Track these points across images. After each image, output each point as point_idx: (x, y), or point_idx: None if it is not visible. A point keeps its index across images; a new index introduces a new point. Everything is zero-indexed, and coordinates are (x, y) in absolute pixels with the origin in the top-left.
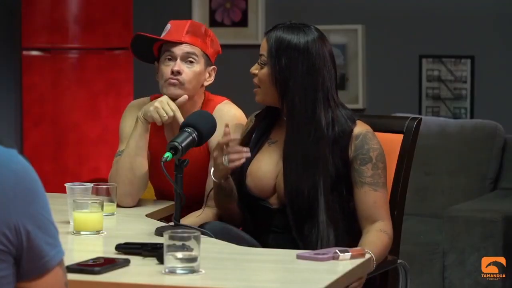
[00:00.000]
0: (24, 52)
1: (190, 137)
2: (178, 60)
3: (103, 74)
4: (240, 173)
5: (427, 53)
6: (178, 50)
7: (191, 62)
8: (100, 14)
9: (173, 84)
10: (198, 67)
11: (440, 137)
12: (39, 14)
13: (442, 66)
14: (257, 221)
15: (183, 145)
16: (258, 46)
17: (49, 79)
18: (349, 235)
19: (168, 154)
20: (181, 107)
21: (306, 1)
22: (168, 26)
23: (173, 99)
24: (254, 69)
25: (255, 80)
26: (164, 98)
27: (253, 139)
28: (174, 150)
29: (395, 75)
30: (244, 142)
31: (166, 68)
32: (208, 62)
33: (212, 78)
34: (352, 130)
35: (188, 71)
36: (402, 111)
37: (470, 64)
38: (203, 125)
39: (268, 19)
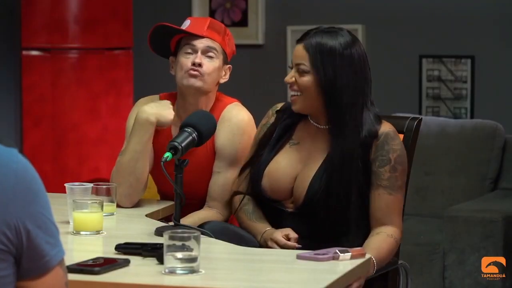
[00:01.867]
0: (24, 52)
1: (190, 137)
2: (199, 53)
3: (103, 74)
4: (257, 173)
5: (427, 53)
6: (200, 44)
7: (211, 57)
8: (100, 14)
9: (194, 76)
10: (217, 62)
11: (440, 137)
12: (39, 14)
13: (442, 66)
14: (269, 223)
15: (183, 145)
16: (258, 46)
17: (49, 79)
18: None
19: (168, 154)
20: (195, 104)
21: (306, 1)
22: (188, 21)
23: (191, 91)
24: (290, 78)
25: (295, 87)
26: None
27: (274, 138)
28: (174, 150)
29: (395, 75)
30: (264, 137)
31: (187, 60)
32: (225, 60)
33: (228, 76)
34: (377, 132)
35: (208, 64)
36: (402, 111)
37: (470, 64)
38: (203, 125)
39: (268, 19)
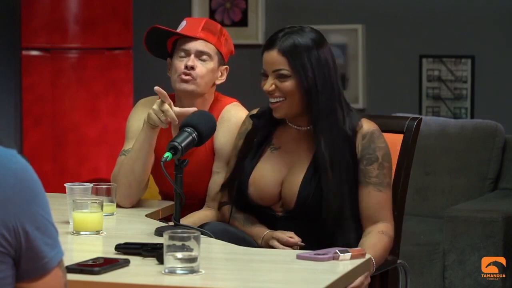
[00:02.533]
0: (24, 52)
1: (190, 137)
2: (192, 56)
3: (103, 74)
4: (242, 182)
5: (427, 53)
6: (193, 46)
7: (204, 59)
8: (100, 14)
9: (186, 81)
10: (211, 64)
11: (440, 137)
12: (38, 14)
13: (442, 66)
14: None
15: (182, 145)
16: (258, 46)
17: (48, 79)
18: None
19: (168, 154)
20: (191, 105)
21: (306, 1)
22: (184, 22)
23: (185, 94)
24: (270, 86)
25: (277, 94)
26: (159, 100)
27: (254, 146)
28: (174, 150)
29: (395, 75)
30: (244, 145)
31: (180, 63)
32: (221, 61)
33: (224, 77)
34: (358, 129)
35: (201, 67)
36: (402, 111)
37: (470, 64)
38: (203, 125)
39: (268, 19)
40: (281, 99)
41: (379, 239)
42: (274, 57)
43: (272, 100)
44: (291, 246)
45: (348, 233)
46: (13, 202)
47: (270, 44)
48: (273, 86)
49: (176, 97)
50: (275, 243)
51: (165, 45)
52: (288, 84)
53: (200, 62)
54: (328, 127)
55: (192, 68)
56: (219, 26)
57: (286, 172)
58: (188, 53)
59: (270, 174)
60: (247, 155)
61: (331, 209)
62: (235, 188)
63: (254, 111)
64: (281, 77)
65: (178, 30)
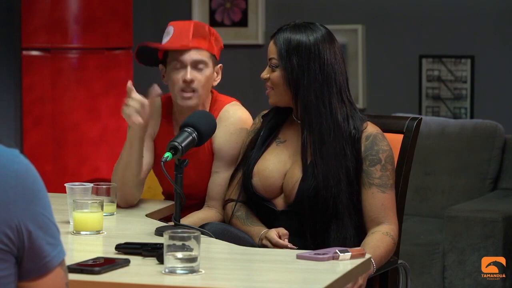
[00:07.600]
0: (24, 52)
1: (190, 137)
2: (189, 68)
3: (103, 74)
4: (246, 172)
5: (427, 53)
6: (188, 58)
7: (201, 68)
8: (100, 14)
9: (188, 98)
10: (208, 71)
11: (440, 137)
12: (38, 14)
13: (442, 66)
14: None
15: (183, 145)
16: (258, 46)
17: (49, 79)
18: (360, 235)
19: (168, 154)
20: (191, 107)
21: (306, 1)
22: (171, 28)
23: (188, 108)
24: (265, 74)
25: (268, 83)
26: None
27: (261, 138)
28: (174, 150)
29: (395, 75)
30: (251, 141)
31: (177, 76)
32: (216, 62)
33: (220, 76)
34: (363, 130)
35: (200, 78)
36: (402, 111)
37: (470, 64)
38: (203, 125)
39: (268, 19)
40: (270, 88)
41: (382, 240)
42: (270, 46)
43: (266, 87)
44: (281, 248)
45: (344, 229)
46: (15, 202)
47: (273, 34)
48: (267, 75)
49: (173, 103)
50: (268, 243)
51: (156, 52)
52: (275, 74)
53: (197, 72)
54: (316, 122)
55: (191, 81)
56: (207, 26)
57: (290, 164)
58: (183, 64)
59: (273, 166)
60: (254, 148)
61: (324, 203)
62: (241, 178)
63: (265, 112)
64: (272, 66)
65: (167, 38)
